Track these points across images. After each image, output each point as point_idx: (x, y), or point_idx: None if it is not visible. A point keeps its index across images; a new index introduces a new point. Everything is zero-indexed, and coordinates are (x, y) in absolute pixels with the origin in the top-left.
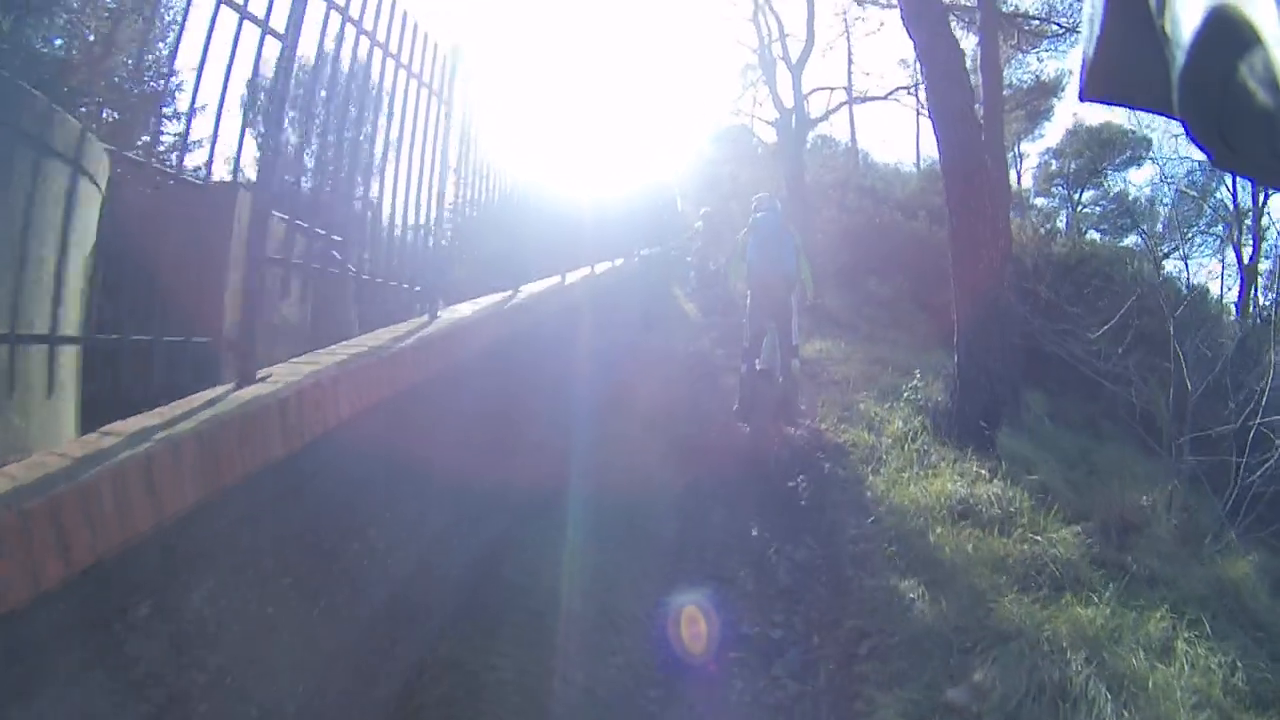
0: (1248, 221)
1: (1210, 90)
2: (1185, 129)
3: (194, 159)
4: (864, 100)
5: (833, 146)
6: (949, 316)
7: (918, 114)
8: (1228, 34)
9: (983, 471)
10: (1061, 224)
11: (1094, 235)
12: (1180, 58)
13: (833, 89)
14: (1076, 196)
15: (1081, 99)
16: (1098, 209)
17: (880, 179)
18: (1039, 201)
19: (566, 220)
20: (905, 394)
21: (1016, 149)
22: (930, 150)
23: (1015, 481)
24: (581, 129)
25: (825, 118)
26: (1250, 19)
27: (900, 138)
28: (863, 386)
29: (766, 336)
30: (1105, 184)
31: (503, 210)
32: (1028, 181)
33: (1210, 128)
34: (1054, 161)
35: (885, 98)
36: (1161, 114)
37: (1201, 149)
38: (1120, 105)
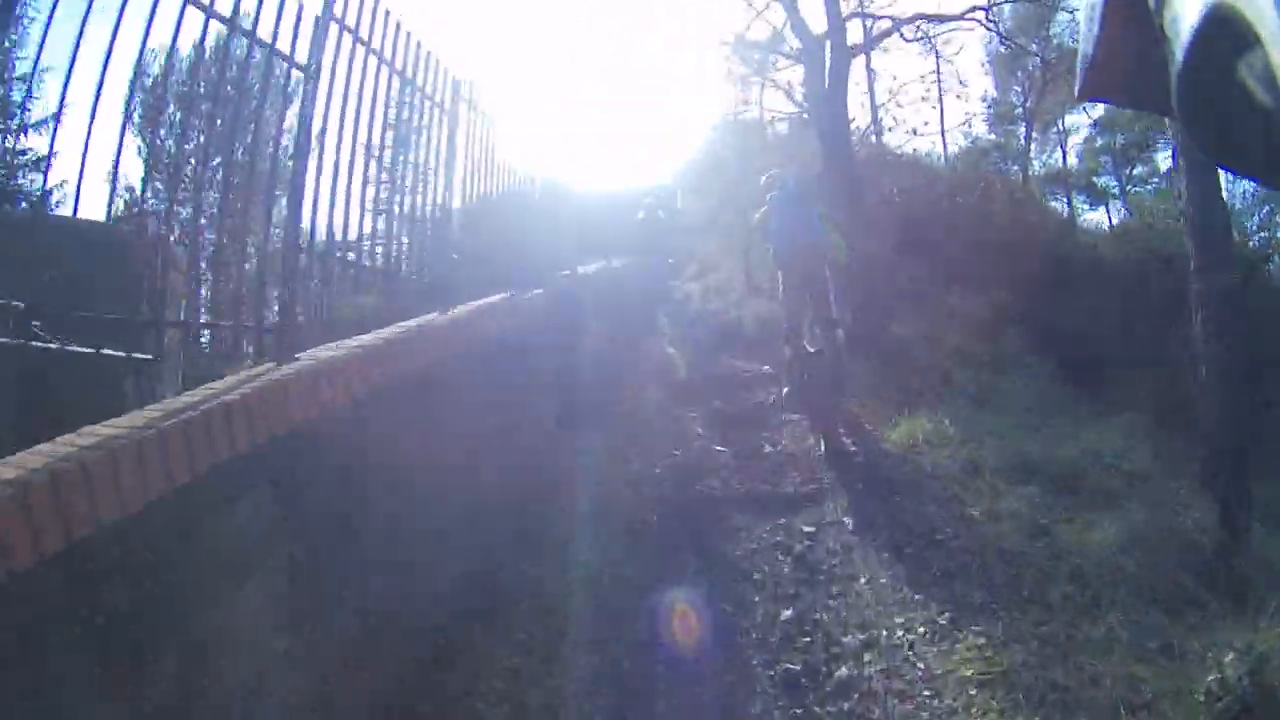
0: None
1: (1209, 89)
2: (1183, 128)
3: None
4: (932, 19)
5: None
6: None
7: (938, 66)
8: (1226, 33)
9: None
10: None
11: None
12: (1179, 56)
13: (875, 16)
14: (1127, 173)
15: (1079, 97)
16: (1149, 188)
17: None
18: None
19: (565, 221)
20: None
21: (1061, 125)
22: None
23: None
24: (580, 133)
25: (874, 45)
26: (1249, 18)
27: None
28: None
29: (807, 317)
30: (1155, 161)
31: (507, 213)
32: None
33: (1209, 127)
34: (1098, 137)
35: (961, 17)
36: (1160, 113)
37: (1200, 148)
38: (1119, 104)
